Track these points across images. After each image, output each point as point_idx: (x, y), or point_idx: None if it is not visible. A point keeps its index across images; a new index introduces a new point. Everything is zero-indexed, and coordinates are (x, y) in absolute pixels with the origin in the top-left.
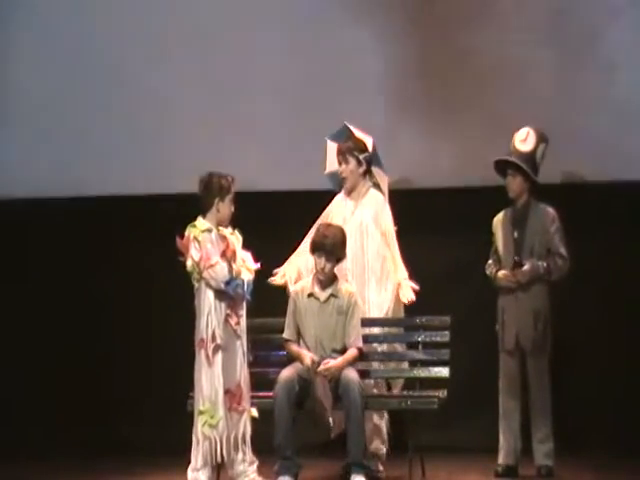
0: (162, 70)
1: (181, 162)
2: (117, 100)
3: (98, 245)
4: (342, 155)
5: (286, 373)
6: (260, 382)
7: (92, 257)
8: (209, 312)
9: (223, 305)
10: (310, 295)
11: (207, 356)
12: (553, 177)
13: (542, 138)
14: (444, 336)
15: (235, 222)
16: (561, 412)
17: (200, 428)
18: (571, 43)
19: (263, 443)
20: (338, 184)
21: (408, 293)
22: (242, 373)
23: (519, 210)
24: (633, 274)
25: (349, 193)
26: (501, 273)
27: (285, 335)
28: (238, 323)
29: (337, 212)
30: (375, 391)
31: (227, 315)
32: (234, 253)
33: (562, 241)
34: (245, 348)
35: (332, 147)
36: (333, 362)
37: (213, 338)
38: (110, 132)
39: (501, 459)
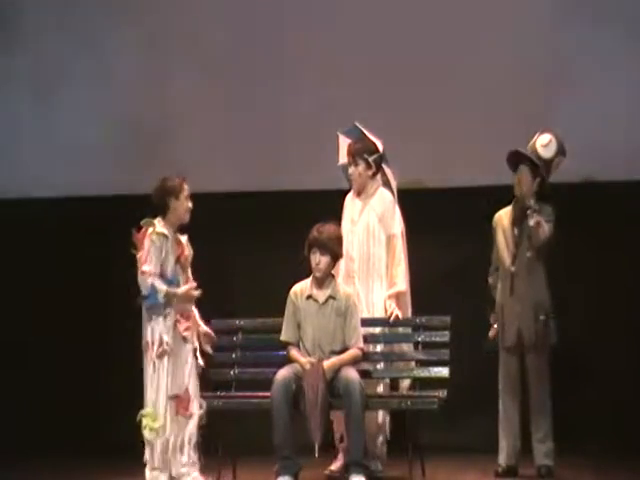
0: (162, 69)
1: (182, 162)
2: (117, 100)
3: (97, 246)
4: (352, 157)
5: (283, 373)
6: (260, 382)
7: (91, 258)
8: (156, 316)
9: (172, 310)
10: (309, 297)
11: (152, 360)
12: (553, 176)
13: (561, 150)
14: (444, 336)
15: (232, 223)
16: (561, 412)
17: (143, 431)
18: (573, 43)
19: (263, 443)
20: (348, 177)
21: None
22: (191, 378)
23: (521, 208)
24: (633, 273)
25: (358, 194)
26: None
27: (284, 337)
28: (187, 329)
29: (346, 213)
30: (380, 390)
31: (176, 320)
32: (186, 259)
33: (548, 223)
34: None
35: (344, 141)
36: (326, 362)
37: (160, 343)
38: (110, 133)
39: (501, 459)
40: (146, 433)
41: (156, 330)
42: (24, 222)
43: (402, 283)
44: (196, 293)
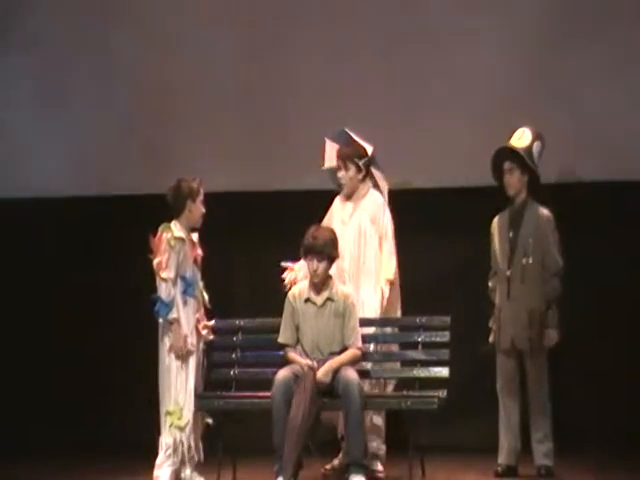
0: (162, 67)
1: (182, 162)
2: (116, 100)
3: (95, 246)
4: (342, 161)
5: (283, 373)
6: (260, 382)
7: (90, 258)
8: (179, 318)
9: (192, 310)
10: (307, 300)
11: (178, 360)
12: (550, 176)
13: (537, 136)
14: (444, 336)
15: (232, 223)
16: (561, 412)
17: (167, 428)
18: (569, 42)
19: (263, 443)
20: (336, 180)
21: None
22: (201, 376)
23: (516, 210)
24: (633, 274)
25: (349, 197)
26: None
27: (282, 339)
28: (205, 327)
29: (336, 214)
30: (376, 391)
31: (197, 320)
32: (200, 258)
33: (554, 246)
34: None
35: (331, 145)
36: (322, 368)
37: (185, 344)
38: (110, 133)
39: (501, 459)
40: (172, 431)
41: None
42: (24, 222)
43: (390, 272)
44: (185, 351)
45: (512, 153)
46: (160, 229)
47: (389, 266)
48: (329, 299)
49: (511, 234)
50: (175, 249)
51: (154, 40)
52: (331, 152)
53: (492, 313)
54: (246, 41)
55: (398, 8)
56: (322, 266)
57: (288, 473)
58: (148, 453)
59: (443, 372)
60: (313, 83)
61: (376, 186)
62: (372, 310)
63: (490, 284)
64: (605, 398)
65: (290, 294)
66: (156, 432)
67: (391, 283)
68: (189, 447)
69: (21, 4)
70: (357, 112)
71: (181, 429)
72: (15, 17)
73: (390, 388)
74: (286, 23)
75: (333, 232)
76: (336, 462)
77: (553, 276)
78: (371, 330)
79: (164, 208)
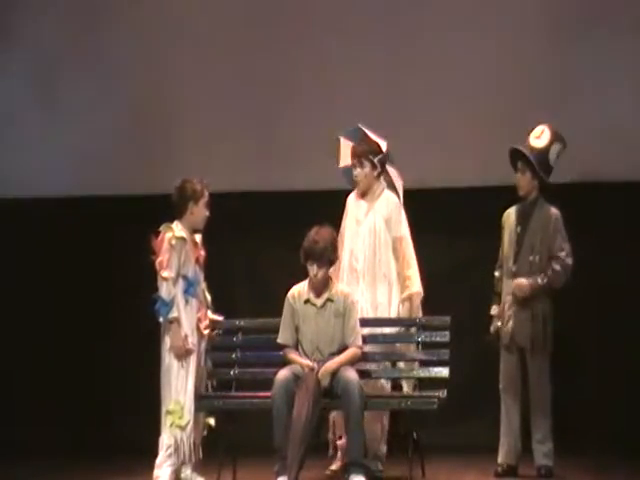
0: (165, 68)
1: (182, 162)
2: (116, 100)
3: (96, 246)
4: (357, 159)
5: (283, 373)
6: (260, 382)
7: (90, 258)
8: (180, 318)
9: (193, 310)
10: (307, 301)
11: (180, 360)
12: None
13: (557, 137)
14: (444, 336)
15: (232, 223)
16: (561, 412)
17: (168, 428)
18: (582, 43)
19: (263, 443)
20: (351, 179)
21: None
22: (203, 374)
23: (526, 207)
24: (633, 273)
25: (363, 195)
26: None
27: (281, 340)
28: (207, 327)
29: (350, 213)
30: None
31: (197, 319)
32: (203, 259)
33: (563, 243)
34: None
35: (345, 144)
36: (321, 369)
37: (185, 344)
38: (110, 133)
39: (501, 459)
40: (173, 430)
41: (182, 331)
42: (24, 222)
43: (415, 285)
44: (187, 349)
45: (525, 155)
46: (162, 229)
47: (409, 275)
48: (329, 300)
49: (519, 230)
50: (176, 249)
51: (153, 40)
52: (345, 150)
53: (494, 302)
54: (246, 39)
55: (408, 5)
56: (322, 271)
57: (293, 474)
58: (148, 453)
59: (443, 372)
60: (316, 82)
61: (391, 185)
62: (387, 311)
63: (496, 274)
64: (605, 398)
65: (289, 294)
66: (156, 432)
67: (414, 295)
68: (190, 447)
69: (13, 5)
70: (359, 112)
71: (182, 429)
72: (11, 17)
73: (408, 387)
74: (288, 20)
75: (333, 234)
76: (340, 463)
77: (556, 263)
78: (375, 330)
79: (164, 208)
